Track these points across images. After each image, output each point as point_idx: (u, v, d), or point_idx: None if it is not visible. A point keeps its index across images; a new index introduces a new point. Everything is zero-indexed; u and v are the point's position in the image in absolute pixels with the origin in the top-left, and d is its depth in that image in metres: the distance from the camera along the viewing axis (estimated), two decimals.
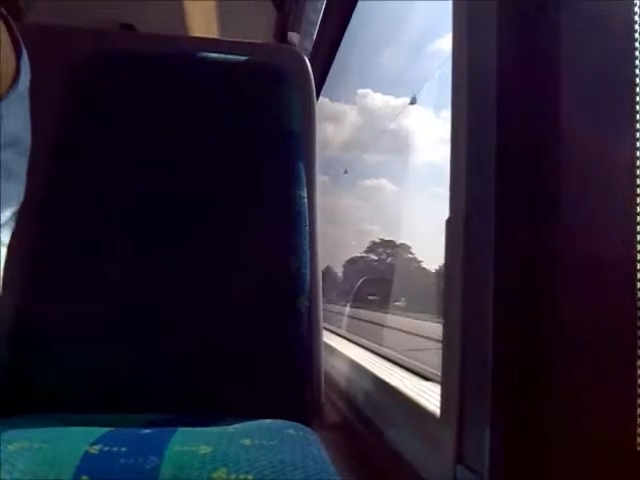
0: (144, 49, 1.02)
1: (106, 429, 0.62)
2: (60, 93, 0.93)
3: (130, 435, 0.61)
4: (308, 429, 0.72)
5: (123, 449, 0.55)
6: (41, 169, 0.86)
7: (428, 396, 0.78)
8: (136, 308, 0.84)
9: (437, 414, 0.66)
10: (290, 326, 0.85)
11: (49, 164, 0.89)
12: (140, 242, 0.87)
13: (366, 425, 0.93)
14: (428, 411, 0.71)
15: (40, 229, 0.87)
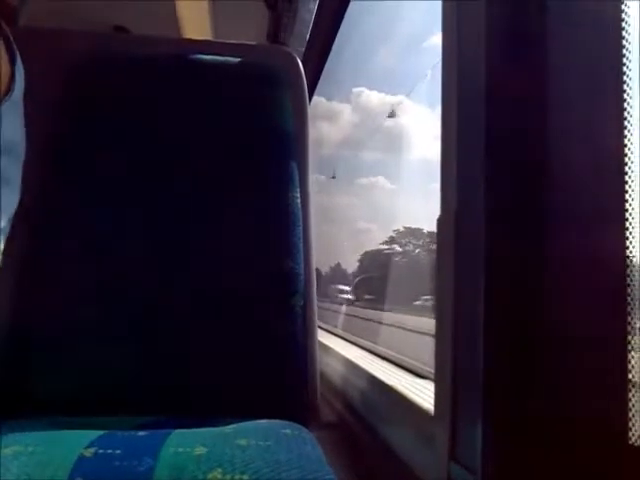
0: (137, 51, 1.02)
1: (100, 432, 0.62)
2: (53, 96, 0.93)
3: (125, 437, 0.61)
4: (304, 429, 0.72)
5: (118, 451, 0.55)
6: (36, 172, 0.86)
7: (425, 395, 0.78)
8: (130, 310, 0.84)
9: (431, 412, 0.66)
10: (285, 325, 0.85)
11: (43, 167, 0.89)
12: (135, 245, 0.87)
13: (362, 424, 0.93)
14: (422, 409, 0.71)
15: (36, 231, 0.87)
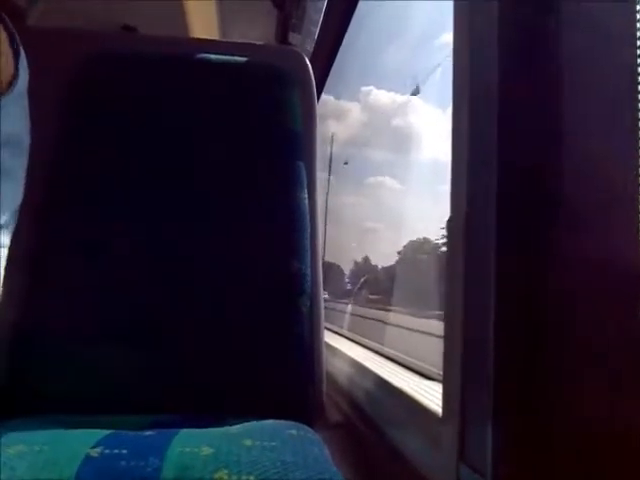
0: (145, 51, 1.02)
1: (107, 431, 0.62)
2: (62, 94, 0.94)
3: (131, 437, 0.60)
4: (310, 429, 0.72)
5: (124, 451, 0.55)
6: (42, 170, 0.86)
7: (431, 395, 0.78)
8: (136, 309, 0.84)
9: (439, 413, 0.65)
10: (291, 326, 0.85)
11: (50, 165, 0.89)
12: (140, 242, 0.87)
13: (368, 425, 0.93)
14: (430, 410, 0.71)
15: (40, 230, 0.87)
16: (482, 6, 0.59)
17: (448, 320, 0.62)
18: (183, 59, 0.98)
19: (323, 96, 2.00)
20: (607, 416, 0.50)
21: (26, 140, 0.73)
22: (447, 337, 0.63)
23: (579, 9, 0.54)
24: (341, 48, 1.77)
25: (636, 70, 0.53)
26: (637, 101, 0.53)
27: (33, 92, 0.74)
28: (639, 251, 0.51)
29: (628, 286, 0.50)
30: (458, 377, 0.58)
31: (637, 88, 0.53)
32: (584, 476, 0.49)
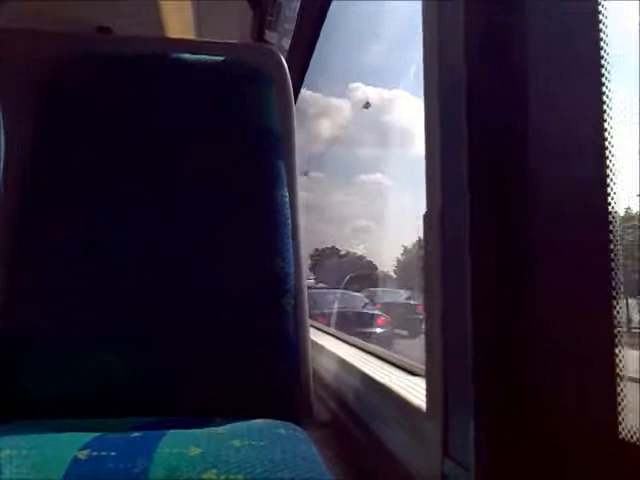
0: (121, 51, 1.02)
1: (95, 434, 0.62)
2: (35, 97, 0.93)
3: (119, 439, 0.61)
4: (298, 428, 0.72)
5: (112, 453, 0.55)
6: (18, 174, 0.85)
7: (416, 392, 0.79)
8: (121, 310, 0.84)
9: (423, 409, 0.66)
10: (276, 325, 0.85)
11: (26, 169, 0.89)
12: (120, 245, 0.86)
13: (356, 422, 0.93)
14: (415, 406, 0.71)
15: (29, 231, 0.86)
16: (448, 4, 0.60)
17: (428, 316, 0.63)
18: (159, 59, 0.98)
19: (310, 93, 2.00)
20: (586, 411, 0.51)
21: (1, 145, 0.72)
22: (428, 333, 0.63)
23: (542, 5, 0.55)
24: (328, 44, 1.76)
25: (600, 61, 0.54)
26: (602, 94, 0.54)
27: (5, 95, 0.74)
28: (610, 243, 0.52)
29: (602, 279, 0.51)
30: (440, 373, 0.59)
31: (601, 78, 0.54)
32: (565, 469, 0.50)
